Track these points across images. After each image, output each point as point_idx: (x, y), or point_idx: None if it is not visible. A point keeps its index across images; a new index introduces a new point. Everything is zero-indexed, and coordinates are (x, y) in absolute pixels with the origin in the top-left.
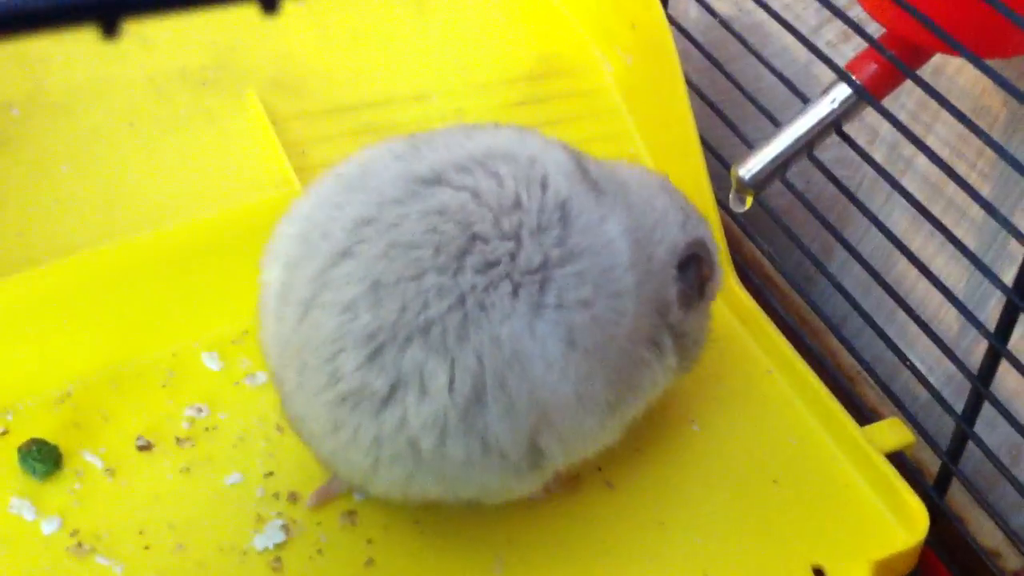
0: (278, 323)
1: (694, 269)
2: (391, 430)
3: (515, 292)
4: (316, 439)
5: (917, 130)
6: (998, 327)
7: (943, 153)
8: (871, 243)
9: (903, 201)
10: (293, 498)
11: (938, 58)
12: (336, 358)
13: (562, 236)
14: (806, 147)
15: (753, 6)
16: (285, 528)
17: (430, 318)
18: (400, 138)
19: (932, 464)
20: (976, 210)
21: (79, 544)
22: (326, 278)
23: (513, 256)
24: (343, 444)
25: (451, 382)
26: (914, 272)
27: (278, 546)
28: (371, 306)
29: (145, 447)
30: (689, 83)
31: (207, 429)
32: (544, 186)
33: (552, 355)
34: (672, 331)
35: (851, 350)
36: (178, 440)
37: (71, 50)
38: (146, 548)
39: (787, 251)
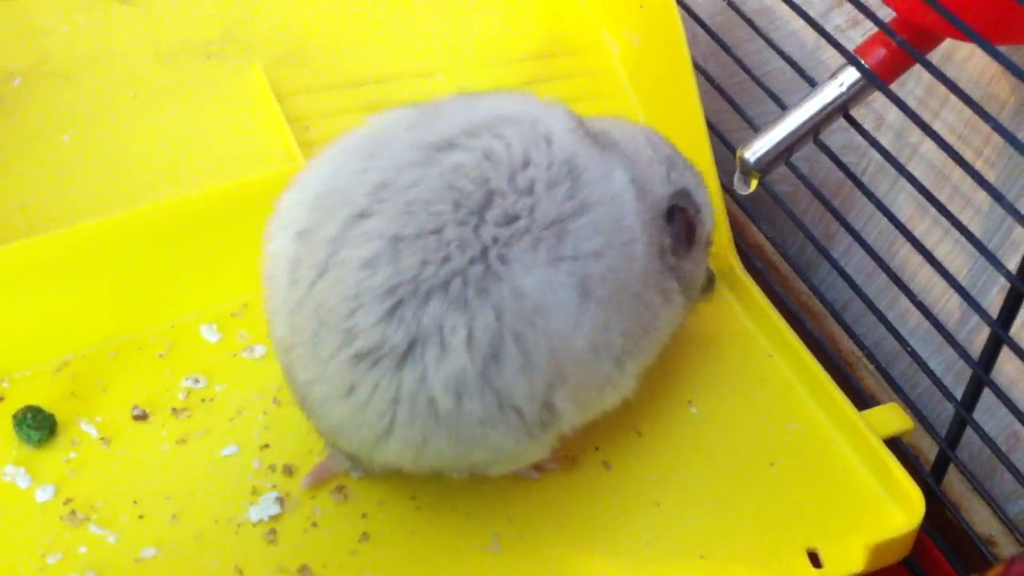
0: (291, 287)
1: (679, 219)
2: (410, 388)
3: (536, 245)
4: (327, 405)
5: (924, 116)
6: (1000, 314)
7: (949, 140)
8: (875, 229)
9: (908, 188)
10: (289, 471)
11: (947, 45)
12: (354, 314)
13: (572, 190)
14: (812, 131)
15: None
16: (280, 501)
17: (451, 271)
18: (407, 108)
19: (929, 450)
20: (981, 197)
21: (73, 512)
22: (345, 237)
23: (532, 210)
24: (358, 406)
25: (470, 337)
26: (917, 258)
27: (273, 518)
28: (391, 260)
29: (141, 417)
30: (696, 65)
31: (204, 400)
32: (550, 143)
33: (569, 306)
34: (676, 276)
35: (852, 335)
36: (174, 411)
37: (74, 20)
38: (140, 518)
39: (790, 236)
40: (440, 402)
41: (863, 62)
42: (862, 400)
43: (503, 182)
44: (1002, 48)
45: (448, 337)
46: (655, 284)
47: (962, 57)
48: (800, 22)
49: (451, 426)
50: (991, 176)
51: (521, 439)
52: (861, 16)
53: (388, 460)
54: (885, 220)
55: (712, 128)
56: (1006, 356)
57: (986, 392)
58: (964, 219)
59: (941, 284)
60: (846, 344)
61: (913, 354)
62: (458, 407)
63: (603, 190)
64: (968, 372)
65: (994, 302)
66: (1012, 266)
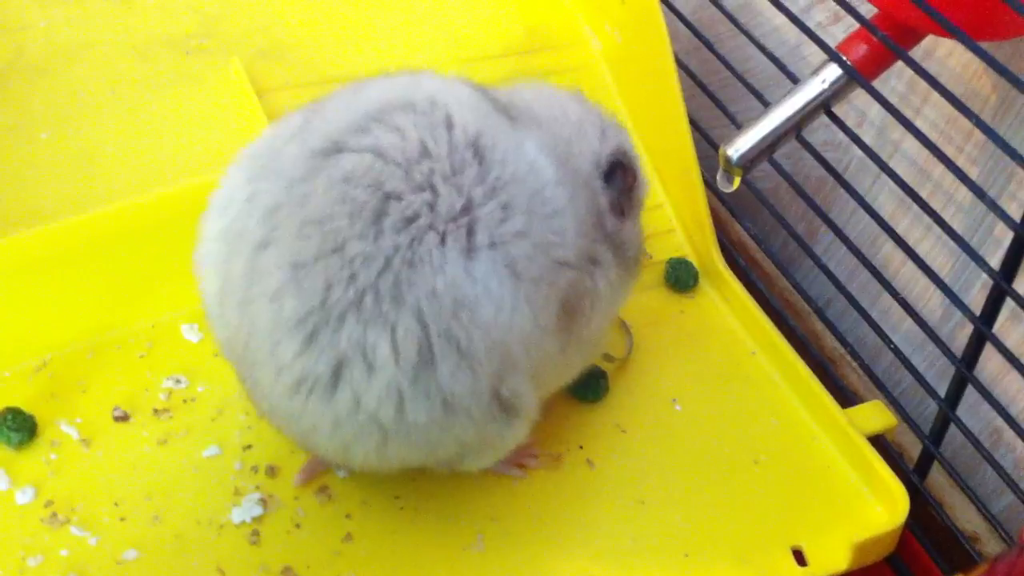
0: (224, 328)
1: (619, 177)
2: (346, 411)
3: (442, 240)
4: (285, 429)
5: (906, 113)
6: (983, 311)
7: (931, 137)
8: (857, 226)
9: (889, 184)
10: (271, 472)
11: (928, 41)
12: (276, 349)
13: (481, 172)
14: (795, 127)
15: None
16: (263, 502)
17: (360, 289)
18: (290, 115)
19: (913, 447)
20: (963, 194)
21: (54, 514)
22: (252, 271)
23: (432, 206)
24: (309, 430)
25: (395, 349)
26: (899, 255)
27: (256, 519)
28: (295, 291)
29: (122, 418)
30: (678, 62)
31: (185, 401)
32: (450, 127)
33: (499, 293)
34: (610, 242)
35: (835, 332)
36: (156, 411)
37: (52, 14)
38: (122, 519)
39: (773, 233)
40: (381, 417)
41: (845, 58)
42: (845, 397)
43: (398, 182)
44: (984, 44)
45: (371, 355)
46: (587, 254)
47: (944, 53)
48: (782, 18)
49: (402, 434)
50: (973, 173)
51: (483, 429)
52: (843, 12)
53: (361, 466)
54: (867, 217)
55: (694, 125)
56: (989, 353)
57: (969, 389)
58: (946, 216)
59: (923, 281)
60: (829, 341)
61: (896, 351)
62: (401, 418)
63: (515, 165)
64: (951, 369)
65: (976, 299)
66: (994, 263)
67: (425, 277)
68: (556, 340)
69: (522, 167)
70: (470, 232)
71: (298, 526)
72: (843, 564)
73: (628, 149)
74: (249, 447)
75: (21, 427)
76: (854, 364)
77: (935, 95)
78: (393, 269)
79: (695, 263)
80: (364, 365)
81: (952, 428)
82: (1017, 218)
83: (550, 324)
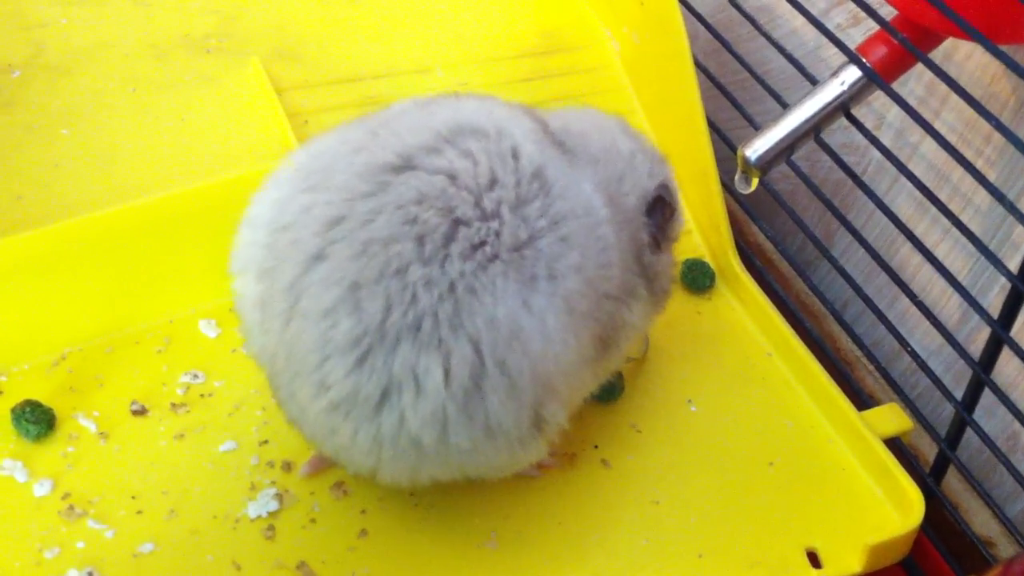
0: (263, 335)
1: (660, 211)
2: (390, 432)
3: (505, 271)
4: (316, 441)
5: (925, 116)
6: (1001, 314)
7: (950, 139)
8: (874, 228)
9: (907, 187)
10: (287, 467)
11: (948, 44)
12: (323, 366)
13: (544, 205)
14: (813, 129)
15: None
16: (279, 497)
17: (419, 313)
18: (354, 126)
19: (929, 450)
20: (981, 197)
21: (71, 507)
22: (301, 286)
23: (498, 234)
24: (344, 447)
25: (447, 375)
26: (917, 258)
27: (271, 514)
28: (352, 310)
29: (140, 412)
30: (697, 63)
31: (203, 396)
32: (516, 157)
33: (552, 327)
34: (644, 275)
35: (851, 335)
36: (173, 406)
37: (72, 13)
38: (138, 513)
39: (790, 235)
40: (424, 440)
41: (864, 60)
42: (861, 400)
43: (468, 209)
44: (1003, 47)
45: (423, 379)
46: (627, 289)
47: (963, 56)
48: (801, 20)
49: (439, 457)
50: (992, 175)
51: (514, 452)
52: (862, 14)
53: (387, 482)
54: (885, 219)
55: (712, 126)
56: (1006, 356)
57: (986, 392)
58: (964, 219)
59: (941, 284)
60: (845, 344)
61: (913, 354)
62: (443, 441)
63: (575, 200)
64: (968, 372)
65: (994, 302)
66: (1013, 266)
67: (486, 305)
68: (591, 370)
69: (580, 202)
70: (532, 263)
71: (313, 521)
72: (857, 567)
73: (671, 184)
74: (265, 442)
75: (39, 420)
76: (870, 367)
77: (954, 98)
78: (456, 295)
79: (712, 264)
80: (414, 389)
81: (968, 432)
82: None
83: (589, 356)
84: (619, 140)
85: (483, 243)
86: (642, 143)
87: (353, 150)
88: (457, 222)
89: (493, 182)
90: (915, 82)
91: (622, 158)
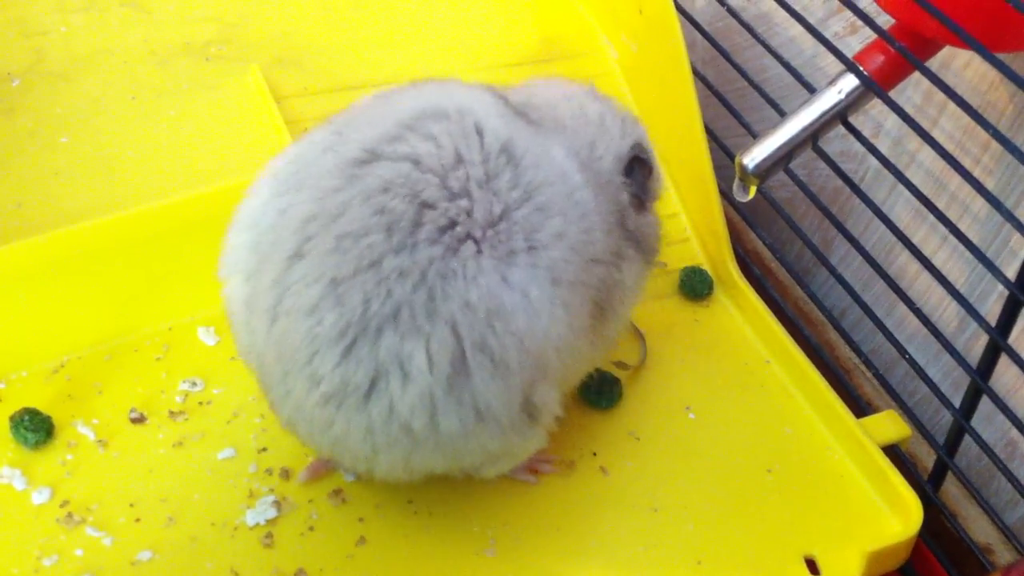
0: (250, 335)
1: (638, 171)
2: (380, 419)
3: (479, 249)
4: (312, 438)
5: (922, 124)
6: (999, 321)
7: (947, 147)
8: (872, 236)
9: (905, 195)
10: (286, 474)
11: (945, 52)
12: (312, 361)
13: (515, 176)
14: (811, 137)
15: None
16: (277, 504)
17: (396, 303)
18: (320, 128)
19: (927, 458)
20: (979, 205)
21: (69, 515)
22: (284, 284)
23: (470, 212)
24: (339, 438)
25: (429, 360)
26: (915, 266)
27: (270, 522)
28: (334, 304)
29: (138, 420)
30: (695, 71)
31: (201, 403)
32: (481, 133)
33: (537, 299)
34: (631, 236)
35: (849, 342)
36: (172, 414)
37: (73, 21)
38: (137, 521)
39: (788, 242)
40: (414, 425)
41: (862, 69)
42: (860, 407)
43: (434, 191)
44: (1001, 56)
45: (407, 365)
46: (614, 250)
47: (960, 64)
48: (799, 28)
49: (432, 443)
50: (989, 183)
51: (508, 438)
52: (860, 23)
53: (384, 475)
54: (883, 227)
55: (710, 134)
56: (1004, 364)
57: (984, 400)
58: (962, 226)
59: (939, 291)
60: (844, 351)
61: (911, 361)
62: (433, 426)
63: (547, 169)
64: (966, 380)
65: (992, 309)
66: (1011, 273)
67: (458, 289)
68: (587, 339)
69: (553, 170)
70: (508, 237)
71: (312, 529)
72: (856, 574)
73: (645, 143)
74: (264, 450)
75: (38, 428)
76: (868, 374)
77: (952, 106)
78: (427, 283)
79: (710, 272)
80: (400, 375)
81: (967, 439)
82: None
83: (584, 325)
84: (587, 105)
85: (453, 224)
86: (611, 105)
87: (322, 151)
88: (423, 205)
89: (458, 161)
90: (912, 90)
91: (591, 122)
